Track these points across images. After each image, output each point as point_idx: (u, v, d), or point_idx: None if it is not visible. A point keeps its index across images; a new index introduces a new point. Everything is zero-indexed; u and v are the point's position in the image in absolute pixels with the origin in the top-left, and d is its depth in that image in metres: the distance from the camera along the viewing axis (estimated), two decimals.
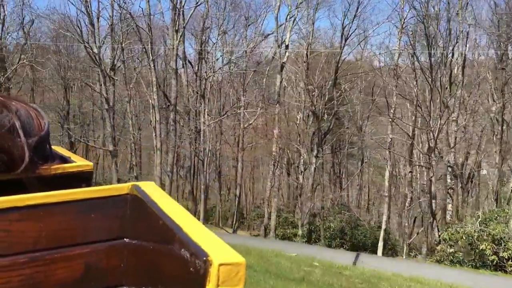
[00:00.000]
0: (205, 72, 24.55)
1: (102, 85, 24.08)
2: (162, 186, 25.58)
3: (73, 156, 1.18)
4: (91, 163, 1.13)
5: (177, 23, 23.07)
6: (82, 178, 1.07)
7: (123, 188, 0.87)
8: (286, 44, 24.48)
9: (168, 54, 29.03)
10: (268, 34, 28.68)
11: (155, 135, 24.16)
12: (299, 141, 26.13)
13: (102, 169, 35.59)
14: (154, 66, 23.90)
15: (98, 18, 25.79)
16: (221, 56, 26.70)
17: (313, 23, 27.15)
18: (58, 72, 35.75)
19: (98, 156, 39.92)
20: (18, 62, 26.80)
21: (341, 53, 26.71)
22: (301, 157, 25.91)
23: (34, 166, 0.94)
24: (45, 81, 36.21)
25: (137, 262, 0.83)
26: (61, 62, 36.14)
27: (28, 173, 0.92)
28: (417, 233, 27.25)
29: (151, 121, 33.89)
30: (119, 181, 27.29)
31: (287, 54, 24.58)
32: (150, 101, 24.61)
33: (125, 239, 0.85)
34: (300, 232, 26.52)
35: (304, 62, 26.49)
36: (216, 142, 26.84)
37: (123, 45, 23.89)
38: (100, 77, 25.04)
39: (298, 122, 25.96)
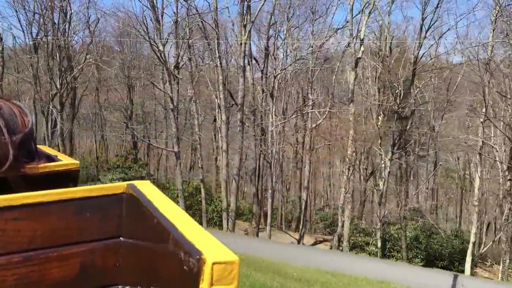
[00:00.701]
0: (274, 69, 23.14)
1: (167, 84, 23.23)
2: (229, 189, 24.59)
3: (59, 155, 1.17)
4: (77, 162, 1.11)
5: (246, 17, 21.80)
6: (69, 177, 1.06)
7: (119, 187, 0.87)
8: (361, 37, 22.55)
9: (229, 51, 28.05)
10: (338, 28, 26.81)
11: (221, 136, 23.05)
12: (373, 143, 24.12)
13: (165, 170, 35.02)
14: (220, 63, 22.78)
15: (162, 15, 25.10)
16: (291, 52, 25.15)
17: (389, 14, 25.04)
18: (122, 71, 35.82)
19: (159, 156, 39.76)
20: (84, 62, 26.63)
21: (420, 47, 24.42)
22: (381, 161, 23.89)
23: (19, 165, 0.93)
24: (110, 81, 36.37)
25: (132, 261, 0.83)
26: (125, 61, 36.19)
27: (13, 172, 0.91)
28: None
29: (213, 121, 33.07)
30: (184, 183, 26.55)
31: (362, 48, 22.65)
32: (216, 100, 23.52)
33: (120, 238, 0.85)
34: (373, 241, 24.61)
35: (380, 57, 24.46)
36: (280, 143, 25.37)
37: (189, 42, 22.92)
38: (165, 75, 24.30)
39: (374, 122, 23.94)
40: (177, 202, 27.45)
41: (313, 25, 29.08)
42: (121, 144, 43.64)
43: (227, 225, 22.51)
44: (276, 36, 25.44)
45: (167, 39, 25.69)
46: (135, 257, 0.84)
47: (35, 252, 0.77)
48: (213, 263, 0.64)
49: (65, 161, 1.11)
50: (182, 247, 0.68)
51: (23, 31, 27.87)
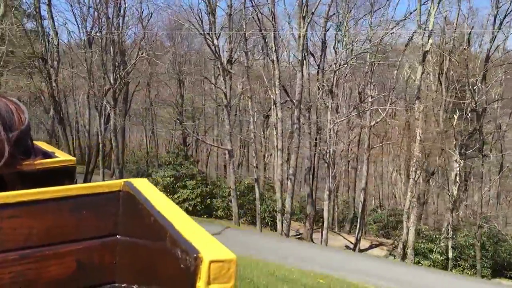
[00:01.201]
0: (335, 63, 21.81)
1: (221, 79, 22.40)
2: (284, 189, 23.56)
3: (57, 152, 1.18)
4: (74, 158, 1.11)
5: (304, 9, 20.58)
6: (65, 173, 1.06)
7: (115, 185, 0.87)
8: (430, 28, 20.78)
9: (280, 45, 26.84)
10: (402, 20, 25.04)
11: (276, 134, 21.99)
12: (443, 143, 22.30)
13: (216, 168, 34.30)
14: (277, 57, 21.67)
15: (215, 8, 24.29)
16: (352, 45, 23.66)
17: (459, 3, 23.08)
18: (173, 66, 35.47)
19: (208, 152, 39.22)
20: (137, 57, 26.27)
21: (494, 39, 22.33)
22: (449, 162, 22.08)
23: (15, 161, 0.92)
24: (161, 76, 36.12)
25: (129, 259, 0.84)
26: (176, 56, 35.83)
27: (8, 169, 0.91)
28: None
29: (264, 118, 32.09)
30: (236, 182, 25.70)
31: (430, 41, 20.88)
32: (272, 96, 22.45)
33: (117, 236, 0.85)
34: (437, 248, 22.82)
35: (446, 51, 22.58)
36: (338, 142, 23.99)
37: (245, 35, 21.95)
38: (216, 71, 23.49)
39: (440, 121, 22.12)
40: (229, 201, 26.72)
41: (371, 17, 27.48)
42: (170, 140, 43.55)
43: (282, 228, 21.44)
44: (337, 28, 23.99)
45: (219, 33, 24.92)
46: (131, 255, 0.83)
47: (31, 250, 0.77)
48: (210, 262, 0.63)
49: (61, 157, 1.10)
50: (179, 245, 0.67)
51: (78, 26, 27.84)
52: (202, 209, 25.44)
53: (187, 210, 25.22)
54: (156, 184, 25.61)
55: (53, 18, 23.79)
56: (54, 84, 23.24)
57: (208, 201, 25.80)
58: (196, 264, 0.63)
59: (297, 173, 29.86)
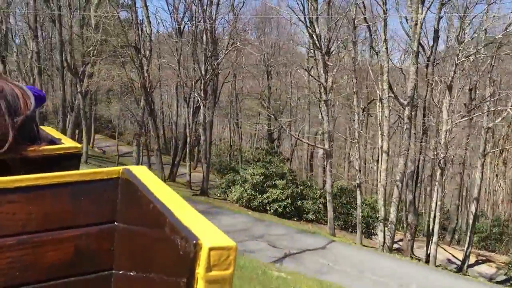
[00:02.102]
0: (457, 55, 18.86)
1: (321, 72, 20.33)
2: (388, 197, 21.16)
3: (63, 138, 1.18)
4: (79, 145, 1.10)
5: None
6: (70, 160, 1.06)
7: (114, 171, 0.87)
8: None
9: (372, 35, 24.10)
10: None
11: (382, 134, 19.58)
12: None
13: (306, 167, 32.21)
14: (386, 48, 19.19)
15: None
16: (477, 34, 20.49)
17: None
18: (262, 57, 33.98)
19: (292, 148, 37.38)
20: (229, 46, 24.92)
21: None
22: None
23: (19, 147, 0.93)
24: (248, 67, 34.81)
25: (127, 245, 0.83)
26: (264, 46, 34.30)
27: (12, 154, 0.91)
28: None
29: (361, 115, 29.55)
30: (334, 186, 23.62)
31: None
32: (378, 92, 20.02)
33: (115, 222, 0.86)
34: None
35: None
36: (452, 145, 21.01)
37: (354, 23, 19.65)
38: (315, 62, 21.44)
39: None
40: (322, 204, 24.74)
41: (488, 4, 23.93)
42: (253, 133, 42.29)
43: (384, 239, 19.08)
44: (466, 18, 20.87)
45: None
46: (130, 242, 0.83)
47: (29, 235, 0.77)
48: (210, 249, 0.63)
49: (66, 144, 1.11)
50: (178, 232, 0.67)
51: (170, 14, 27.04)
52: (292, 211, 23.70)
53: (276, 212, 23.68)
54: (244, 181, 24.26)
55: (147, 6, 23.00)
56: (146, 74, 22.50)
57: (299, 202, 23.98)
58: (196, 251, 0.63)
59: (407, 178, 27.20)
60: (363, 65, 28.56)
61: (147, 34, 23.59)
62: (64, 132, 25.62)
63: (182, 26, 27.11)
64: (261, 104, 36.09)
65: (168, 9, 26.86)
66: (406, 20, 21.35)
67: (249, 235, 14.04)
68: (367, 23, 21.46)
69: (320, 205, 24.97)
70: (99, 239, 0.84)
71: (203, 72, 23.69)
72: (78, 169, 1.02)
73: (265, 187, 23.90)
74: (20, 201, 0.78)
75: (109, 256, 0.85)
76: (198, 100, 28.02)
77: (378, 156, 22.18)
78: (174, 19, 27.43)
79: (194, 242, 0.64)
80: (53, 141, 1.14)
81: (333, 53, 24.41)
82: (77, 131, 30.31)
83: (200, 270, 0.63)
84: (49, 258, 0.80)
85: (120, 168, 0.88)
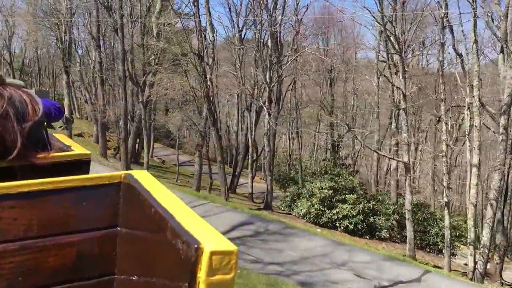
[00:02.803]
0: None
1: (399, 78, 18.49)
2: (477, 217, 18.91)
3: (73, 145, 1.18)
4: (89, 152, 1.10)
5: None
6: (79, 167, 1.05)
7: (116, 176, 0.87)
8: None
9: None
10: None
11: (471, 146, 17.46)
12: None
13: (376, 180, 30.05)
14: (477, 51, 17.07)
15: None
16: None
17: None
18: (325, 63, 32.40)
19: (355, 158, 35.33)
20: (297, 52, 23.54)
21: None
22: None
23: (28, 153, 0.92)
24: (309, 73, 33.29)
25: (129, 250, 0.83)
26: (327, 52, 32.74)
27: (21, 161, 0.91)
28: None
29: (437, 122, 27.27)
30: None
31: None
32: (466, 99, 17.90)
33: (117, 227, 0.85)
34: None
35: None
36: None
37: (443, 22, 17.68)
38: (394, 67, 19.61)
39: None
40: (396, 220, 22.77)
41: None
42: (313, 142, 40.63)
43: (474, 266, 16.89)
44: None
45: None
46: (132, 247, 0.83)
47: (32, 240, 0.77)
48: (211, 253, 0.63)
49: (75, 151, 1.11)
50: (180, 236, 0.67)
51: (232, 21, 26.12)
52: (363, 228, 21.88)
53: (346, 229, 21.95)
54: (311, 195, 22.72)
55: (210, 12, 22.09)
56: (209, 83, 21.56)
57: (371, 219, 22.11)
58: (197, 255, 0.63)
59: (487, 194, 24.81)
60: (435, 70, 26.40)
61: (210, 41, 22.65)
62: (125, 141, 25.20)
63: (244, 32, 26.12)
64: (323, 111, 34.51)
65: (230, 15, 25.78)
66: (492, 19, 19.19)
67: (331, 262, 12.51)
68: (450, 23, 19.38)
69: (393, 222, 22.99)
70: (101, 244, 0.83)
71: (267, 79, 22.45)
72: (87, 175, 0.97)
73: (334, 202, 22.24)
74: (22, 206, 0.77)
75: (112, 261, 0.84)
76: (258, 109, 26.88)
77: (466, 171, 19.94)
78: (236, 25, 26.46)
79: (196, 246, 0.63)
80: (63, 147, 1.15)
81: (408, 57, 22.46)
82: (137, 140, 29.97)
83: (201, 275, 0.63)
84: (51, 263, 0.78)
85: (122, 173, 0.87)
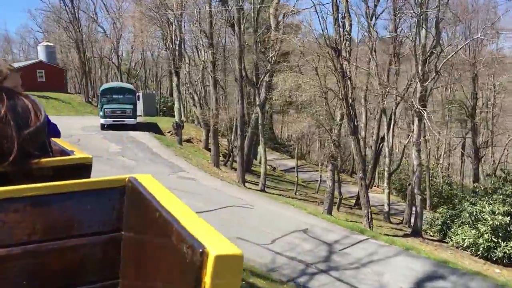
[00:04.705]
0: None
1: None
2: None
3: (75, 150, 1.17)
4: (90, 156, 1.08)
5: None
6: (80, 171, 1.04)
7: (120, 180, 0.86)
8: None
9: None
10: None
11: None
12: None
13: None
14: None
15: None
16: None
17: None
18: (467, 57, 27.18)
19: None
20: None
21: None
22: None
23: (26, 159, 0.91)
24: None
25: (133, 254, 0.82)
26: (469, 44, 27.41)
27: (18, 166, 0.90)
28: None
29: None
30: None
31: None
32: None
33: (121, 231, 0.85)
34: None
35: None
36: None
37: None
38: None
39: None
40: None
41: None
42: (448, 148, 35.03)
43: None
44: None
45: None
46: (136, 251, 0.82)
47: (36, 244, 0.77)
48: (217, 257, 0.62)
49: (77, 155, 1.10)
50: (185, 240, 0.66)
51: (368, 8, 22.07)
52: None
53: None
54: (476, 220, 18.00)
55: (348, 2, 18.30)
56: (348, 83, 17.77)
57: None
58: (202, 259, 0.62)
59: None
60: None
61: (347, 31, 18.82)
62: (242, 150, 22.14)
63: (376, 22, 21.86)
64: (464, 111, 29.30)
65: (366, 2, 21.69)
66: None
67: None
68: None
69: None
70: (105, 248, 0.82)
71: (420, 75, 18.15)
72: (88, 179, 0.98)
73: (510, 232, 17.33)
74: (26, 210, 0.77)
75: (115, 265, 0.83)
76: (394, 114, 22.65)
77: None
78: (371, 14, 22.38)
79: (201, 250, 0.63)
80: (64, 152, 1.14)
81: None
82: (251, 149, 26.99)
83: (207, 279, 0.62)
84: (55, 267, 0.78)
85: (126, 176, 0.86)
